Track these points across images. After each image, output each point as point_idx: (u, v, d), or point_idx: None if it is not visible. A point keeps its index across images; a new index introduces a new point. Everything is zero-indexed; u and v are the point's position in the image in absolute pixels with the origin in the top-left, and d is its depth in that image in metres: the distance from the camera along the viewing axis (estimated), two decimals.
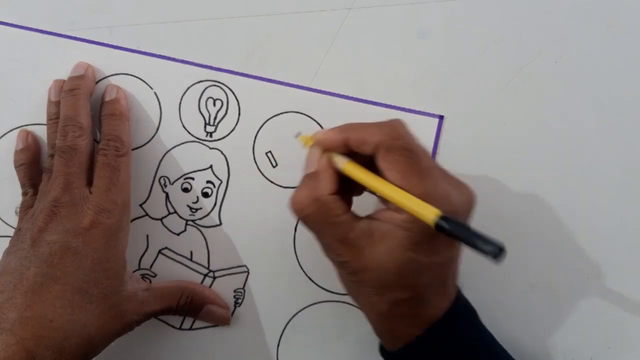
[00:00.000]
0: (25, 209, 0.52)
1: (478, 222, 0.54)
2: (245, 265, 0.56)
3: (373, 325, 0.50)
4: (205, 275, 0.56)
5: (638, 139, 0.54)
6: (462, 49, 0.54)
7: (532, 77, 0.54)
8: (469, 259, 0.55)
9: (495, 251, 0.39)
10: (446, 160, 0.54)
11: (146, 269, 0.56)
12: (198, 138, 0.55)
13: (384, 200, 0.48)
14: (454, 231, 0.41)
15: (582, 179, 0.55)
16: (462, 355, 0.48)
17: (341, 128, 0.48)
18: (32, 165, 0.54)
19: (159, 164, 0.55)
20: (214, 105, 0.55)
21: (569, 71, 0.54)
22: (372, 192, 0.48)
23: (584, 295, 0.55)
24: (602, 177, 0.55)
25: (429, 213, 0.42)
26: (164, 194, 0.56)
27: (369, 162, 0.47)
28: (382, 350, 0.51)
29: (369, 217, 0.46)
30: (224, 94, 0.55)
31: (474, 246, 0.40)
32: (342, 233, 0.46)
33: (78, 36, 0.55)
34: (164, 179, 0.55)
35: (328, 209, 0.46)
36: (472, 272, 0.55)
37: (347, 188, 0.48)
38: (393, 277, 0.45)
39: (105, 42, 0.55)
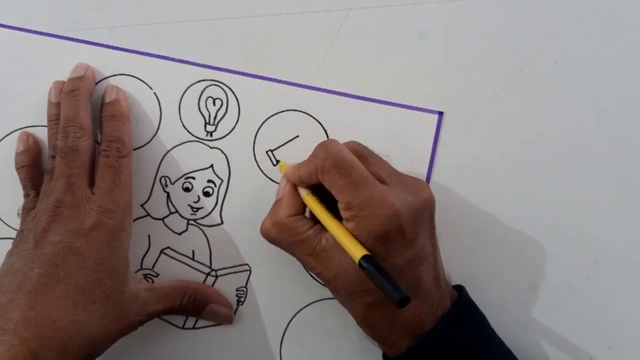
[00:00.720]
0: (27, 211, 0.52)
1: (478, 222, 0.55)
2: (247, 264, 0.56)
3: (366, 333, 0.51)
4: (208, 274, 0.56)
5: (638, 139, 0.54)
6: (462, 49, 0.55)
7: (532, 77, 0.54)
8: (469, 258, 0.56)
9: (399, 299, 0.42)
10: (446, 160, 0.55)
11: (148, 269, 0.56)
12: (198, 137, 0.55)
13: None
14: (370, 274, 0.44)
15: (581, 178, 0.55)
16: None
17: (297, 166, 0.51)
18: (34, 167, 0.54)
19: (160, 164, 0.55)
20: (214, 104, 0.55)
21: (569, 71, 0.54)
22: None
23: (583, 295, 0.56)
24: (602, 177, 0.55)
25: (357, 252, 0.45)
26: (165, 194, 0.56)
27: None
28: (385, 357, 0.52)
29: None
30: (224, 93, 0.55)
31: (383, 290, 0.43)
32: (308, 248, 0.49)
33: (79, 37, 0.55)
34: (165, 179, 0.56)
35: (290, 229, 0.49)
36: (472, 272, 0.55)
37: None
38: (356, 283, 0.48)
39: (106, 42, 0.55)
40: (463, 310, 0.50)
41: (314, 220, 0.50)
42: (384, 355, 0.51)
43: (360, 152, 0.50)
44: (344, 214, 0.48)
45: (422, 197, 0.49)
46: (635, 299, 0.55)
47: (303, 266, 0.51)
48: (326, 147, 0.49)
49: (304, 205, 0.51)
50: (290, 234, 0.49)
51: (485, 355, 0.49)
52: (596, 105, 0.54)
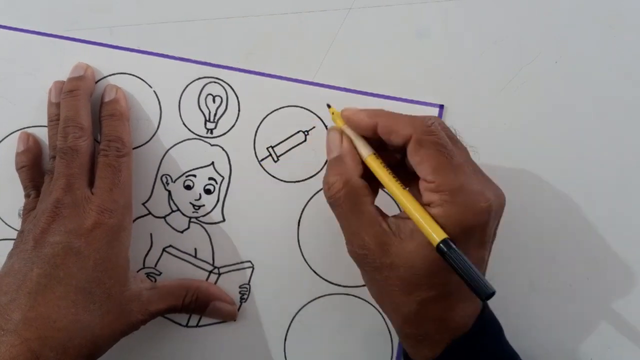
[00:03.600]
0: (27, 211, 0.52)
1: None
2: (249, 261, 0.56)
3: (397, 328, 0.49)
4: (210, 272, 0.56)
5: (638, 139, 0.54)
6: (461, 49, 0.54)
7: (532, 77, 0.54)
8: None
9: (485, 295, 0.40)
10: None
11: (151, 268, 0.56)
12: (199, 135, 0.55)
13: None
14: (454, 260, 0.41)
15: (582, 178, 0.54)
16: None
17: (371, 112, 0.47)
18: (34, 168, 0.54)
19: (161, 162, 0.55)
20: (214, 102, 0.55)
21: (569, 71, 0.54)
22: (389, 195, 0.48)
23: (584, 295, 0.55)
24: (602, 177, 0.54)
25: (436, 235, 0.42)
26: (167, 192, 0.56)
27: (395, 163, 0.47)
28: (406, 357, 0.50)
29: (394, 217, 0.46)
30: (223, 91, 0.55)
31: (467, 281, 0.41)
32: (369, 223, 0.45)
33: (79, 36, 0.55)
34: (166, 177, 0.56)
35: (357, 195, 0.46)
36: None
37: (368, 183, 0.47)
38: (423, 275, 0.44)
39: (106, 42, 0.55)
40: (491, 314, 0.49)
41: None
42: (405, 355, 0.50)
43: (451, 135, 0.47)
44: (430, 195, 0.44)
45: (503, 198, 0.46)
46: (635, 300, 0.55)
47: (348, 244, 0.47)
48: (430, 122, 0.45)
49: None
50: (357, 200, 0.45)
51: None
52: (596, 105, 0.54)
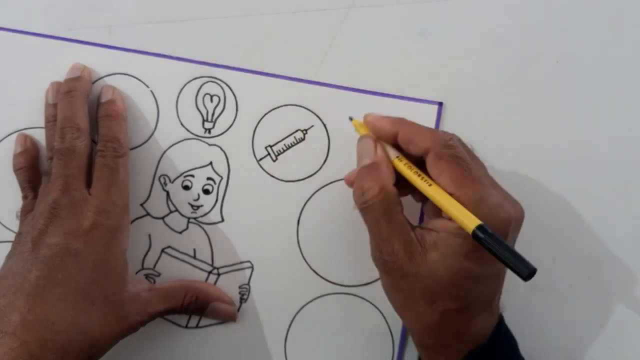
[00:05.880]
0: (25, 213, 0.52)
1: None
2: (249, 261, 0.56)
3: (416, 338, 0.49)
4: (210, 272, 0.56)
5: (638, 138, 0.54)
6: (462, 48, 0.54)
7: (532, 77, 0.54)
8: None
9: (527, 273, 0.40)
10: None
11: (150, 269, 0.56)
12: (196, 135, 0.55)
13: (433, 210, 0.48)
14: (491, 244, 0.41)
15: (582, 178, 0.54)
16: None
17: (393, 120, 0.48)
18: (32, 169, 0.54)
19: (159, 162, 0.55)
20: (211, 101, 0.55)
21: (570, 71, 0.54)
22: (415, 195, 0.49)
23: (584, 295, 0.55)
24: (602, 177, 0.54)
25: (470, 222, 0.42)
26: (165, 193, 0.55)
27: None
28: None
29: (420, 227, 0.47)
30: (221, 90, 0.55)
31: (507, 263, 0.41)
32: (400, 231, 0.46)
33: (77, 36, 0.55)
34: (164, 178, 0.55)
35: (391, 202, 0.46)
36: None
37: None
38: (446, 285, 0.45)
39: (105, 42, 0.55)
40: (506, 328, 0.49)
41: None
42: None
43: (467, 149, 0.48)
44: None
45: (521, 211, 0.47)
46: (637, 299, 0.55)
47: (374, 250, 0.47)
48: (449, 137, 0.47)
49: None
50: (390, 207, 0.46)
51: None
52: (597, 105, 0.54)
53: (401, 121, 0.48)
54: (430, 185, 0.45)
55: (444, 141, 0.46)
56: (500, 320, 0.49)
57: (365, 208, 0.47)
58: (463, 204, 0.44)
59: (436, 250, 0.45)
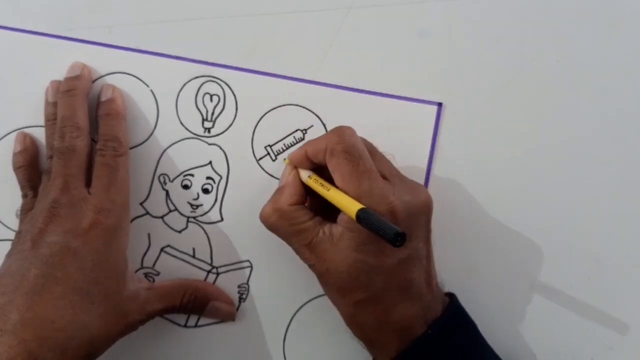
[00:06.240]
0: (25, 212, 0.52)
1: (480, 222, 0.55)
2: (248, 260, 0.56)
3: (353, 333, 0.51)
4: (209, 271, 0.56)
5: (638, 139, 0.54)
6: (462, 48, 0.54)
7: (532, 77, 0.54)
8: (469, 258, 0.55)
9: (393, 234, 0.42)
10: (446, 160, 0.54)
11: (149, 268, 0.56)
12: (196, 134, 0.55)
13: None
14: (368, 223, 0.43)
15: (582, 178, 0.54)
16: None
17: (301, 145, 0.51)
18: (31, 168, 0.54)
19: (158, 161, 0.55)
20: (211, 100, 0.55)
21: (570, 71, 0.54)
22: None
23: (584, 295, 0.55)
24: (602, 177, 0.54)
25: (354, 207, 0.45)
26: (164, 192, 0.55)
27: None
28: None
29: (332, 222, 0.49)
30: (221, 89, 0.55)
31: (378, 233, 0.42)
32: (306, 238, 0.49)
33: (77, 35, 0.55)
34: (164, 177, 0.55)
35: (290, 218, 0.49)
36: (472, 273, 0.55)
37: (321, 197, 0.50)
38: (346, 278, 0.48)
39: (105, 41, 0.55)
40: (454, 317, 0.50)
41: (314, 211, 0.50)
42: None
43: (369, 147, 0.50)
44: None
45: (420, 199, 0.49)
46: (637, 300, 0.55)
47: (299, 256, 0.51)
48: (341, 132, 0.49)
49: (306, 196, 0.51)
50: (290, 222, 0.49)
51: None
52: (597, 105, 0.54)
53: (307, 142, 0.51)
54: (328, 190, 0.48)
55: (335, 137, 0.48)
56: (447, 308, 0.49)
57: (268, 228, 0.51)
58: (352, 197, 0.46)
59: (338, 245, 0.48)
